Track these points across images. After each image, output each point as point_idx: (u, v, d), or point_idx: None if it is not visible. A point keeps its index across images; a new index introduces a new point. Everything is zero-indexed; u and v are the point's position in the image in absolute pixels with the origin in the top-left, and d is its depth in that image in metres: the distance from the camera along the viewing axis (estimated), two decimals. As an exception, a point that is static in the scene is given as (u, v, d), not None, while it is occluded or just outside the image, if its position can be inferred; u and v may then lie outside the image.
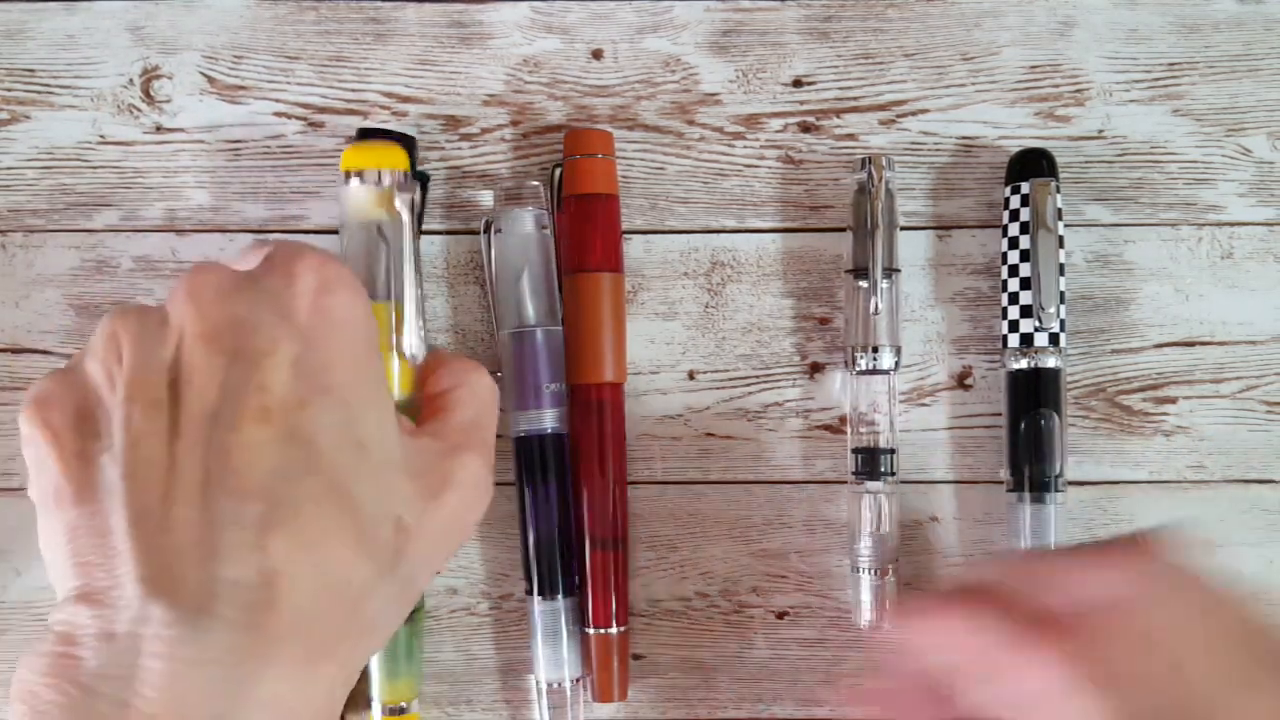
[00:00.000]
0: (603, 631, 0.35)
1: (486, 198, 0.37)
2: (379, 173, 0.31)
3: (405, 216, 0.31)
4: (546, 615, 0.35)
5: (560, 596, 0.35)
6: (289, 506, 0.22)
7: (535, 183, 0.37)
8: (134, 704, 0.20)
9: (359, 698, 0.34)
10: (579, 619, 0.36)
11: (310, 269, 0.24)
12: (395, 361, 0.30)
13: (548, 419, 0.35)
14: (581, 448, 0.36)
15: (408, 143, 0.35)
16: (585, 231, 0.35)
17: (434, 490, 0.25)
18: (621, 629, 0.35)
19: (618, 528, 0.36)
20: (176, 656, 0.20)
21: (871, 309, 0.35)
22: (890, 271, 0.35)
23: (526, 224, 0.36)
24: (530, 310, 0.35)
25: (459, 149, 0.38)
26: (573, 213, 0.36)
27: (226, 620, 0.21)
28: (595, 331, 0.35)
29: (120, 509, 0.21)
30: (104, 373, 0.23)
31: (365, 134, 0.36)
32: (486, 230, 0.36)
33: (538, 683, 0.35)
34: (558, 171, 0.36)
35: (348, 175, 0.31)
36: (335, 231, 0.37)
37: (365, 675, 0.35)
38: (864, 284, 0.35)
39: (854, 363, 0.35)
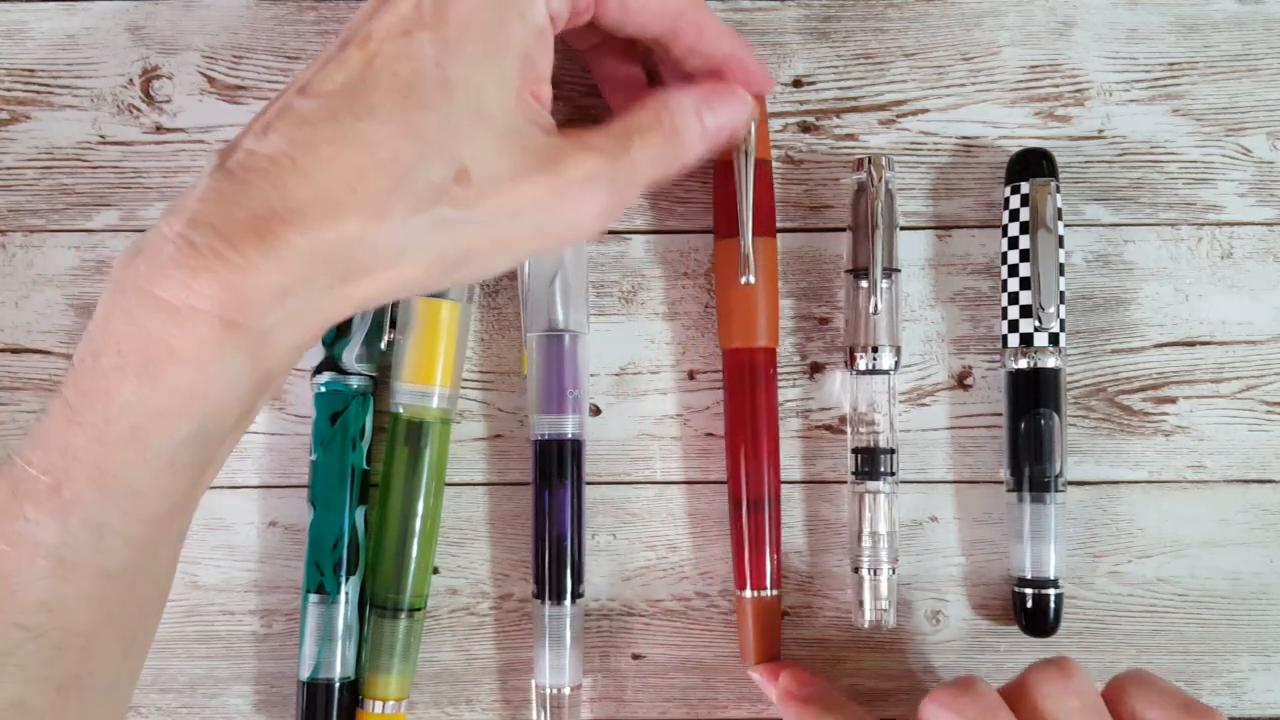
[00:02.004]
0: (757, 595, 0.35)
1: None
2: None
3: None
4: (552, 621, 0.35)
5: (567, 602, 0.35)
6: (341, 109, 0.25)
7: None
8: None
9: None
10: (582, 625, 0.36)
11: None
12: (451, 353, 0.34)
13: (568, 424, 0.35)
14: (733, 412, 0.35)
15: None
16: (735, 196, 0.35)
17: (527, 165, 0.26)
18: (775, 592, 0.35)
19: (770, 489, 0.35)
20: (206, 198, 0.24)
21: (871, 309, 0.35)
22: (890, 271, 0.35)
23: None
24: (560, 314, 0.35)
25: (459, 149, 0.38)
26: (722, 177, 0.35)
27: (237, 179, 0.24)
28: (749, 295, 0.35)
29: None
30: None
31: None
32: None
33: (538, 688, 0.35)
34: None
35: None
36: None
37: (361, 675, 0.35)
38: (864, 284, 0.35)
39: (854, 363, 0.35)
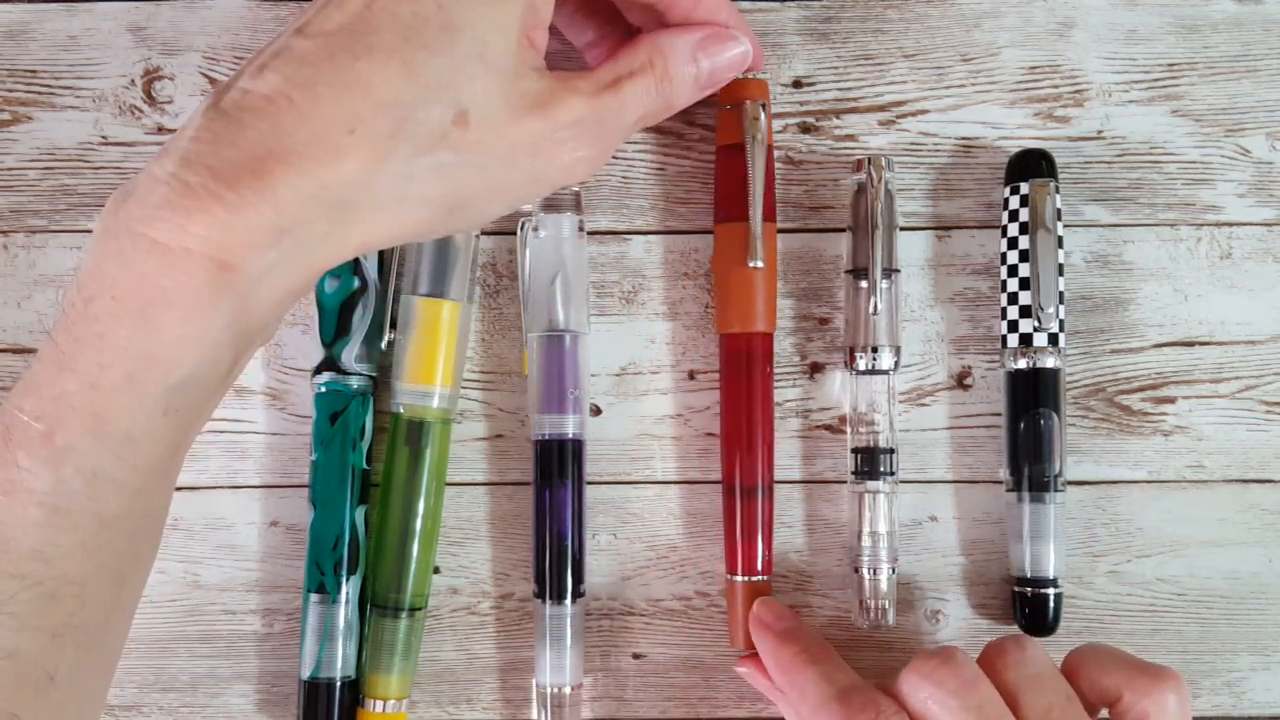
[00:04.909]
0: (747, 580, 0.35)
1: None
2: None
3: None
4: (553, 620, 0.35)
5: (568, 602, 0.35)
6: (340, 49, 0.24)
7: (576, 189, 0.36)
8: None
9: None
10: (584, 624, 0.36)
11: None
12: (452, 353, 0.34)
13: (569, 424, 0.35)
14: (729, 398, 0.36)
15: None
16: (741, 181, 0.35)
17: (522, 109, 0.26)
18: (766, 578, 0.35)
19: (763, 477, 0.35)
20: (199, 138, 0.24)
21: (871, 309, 0.35)
22: (890, 272, 0.35)
23: (564, 228, 0.36)
24: (561, 314, 0.35)
25: (459, 149, 0.38)
26: (726, 162, 0.35)
27: (232, 118, 0.24)
28: (747, 281, 0.35)
29: None
30: None
31: None
32: (523, 230, 0.36)
33: (539, 687, 0.35)
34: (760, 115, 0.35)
35: None
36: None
37: (362, 674, 0.35)
38: (864, 284, 0.35)
39: (854, 363, 0.36)
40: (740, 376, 0.35)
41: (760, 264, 0.34)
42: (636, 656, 0.37)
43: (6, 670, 0.23)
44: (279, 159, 0.24)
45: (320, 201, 0.24)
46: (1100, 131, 0.37)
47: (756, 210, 0.34)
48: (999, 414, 0.37)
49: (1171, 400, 0.37)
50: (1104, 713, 0.30)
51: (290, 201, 0.24)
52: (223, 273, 0.24)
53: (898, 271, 0.36)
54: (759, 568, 0.35)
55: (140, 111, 0.38)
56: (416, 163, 0.25)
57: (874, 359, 0.35)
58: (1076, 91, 0.38)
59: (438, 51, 0.25)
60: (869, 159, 0.35)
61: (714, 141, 0.37)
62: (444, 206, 0.27)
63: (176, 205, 0.23)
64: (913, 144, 0.38)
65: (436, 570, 0.37)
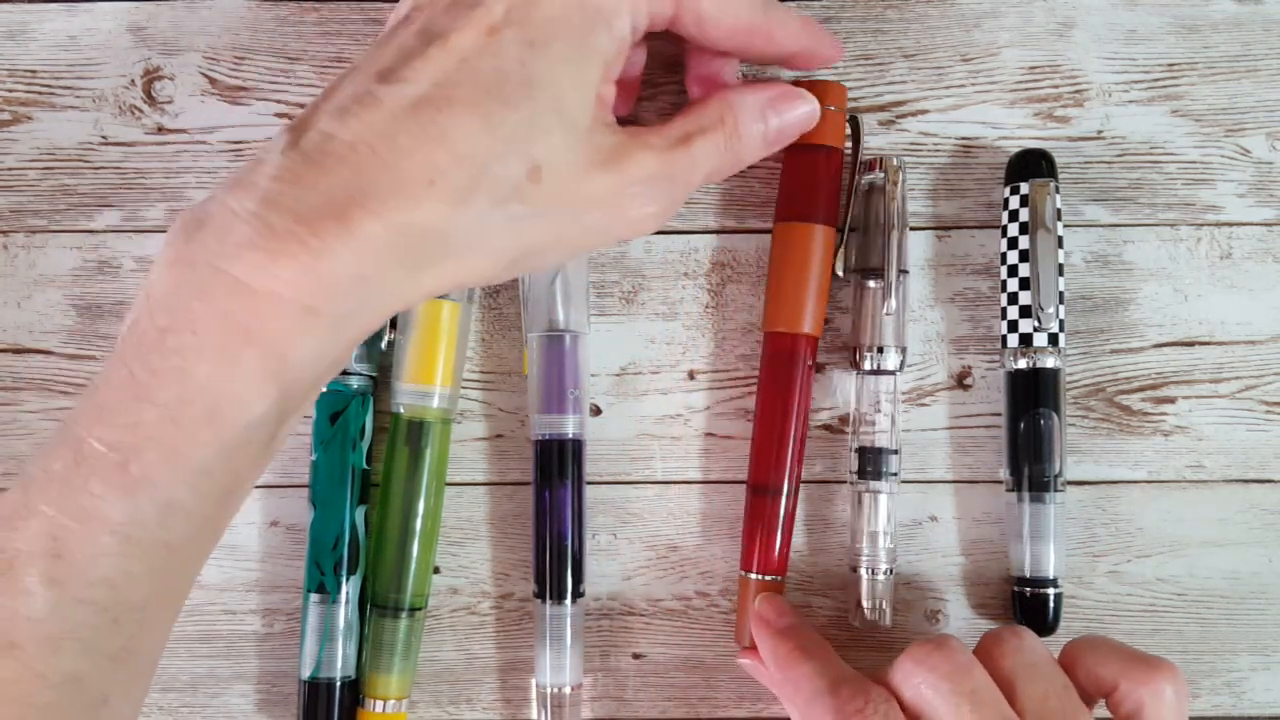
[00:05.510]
0: (762, 578, 0.35)
1: None
2: None
3: None
4: (553, 620, 0.35)
5: (568, 602, 0.35)
6: (423, 101, 0.25)
7: None
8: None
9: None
10: (582, 624, 0.36)
11: None
12: (452, 353, 0.34)
13: (569, 424, 0.35)
14: (765, 395, 0.36)
15: None
16: (807, 182, 0.35)
17: (593, 163, 0.27)
18: (780, 579, 0.35)
19: (787, 478, 0.35)
20: (281, 178, 0.24)
21: (886, 310, 0.35)
22: (901, 272, 0.35)
23: None
24: (561, 314, 0.35)
25: (460, 149, 0.38)
26: (794, 161, 0.36)
27: (314, 161, 0.24)
28: (801, 282, 0.35)
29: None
30: None
31: None
32: None
33: (539, 687, 0.35)
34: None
35: None
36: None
37: (362, 673, 0.35)
38: (871, 284, 0.35)
39: (860, 363, 0.36)
40: (781, 376, 0.35)
41: (842, 274, 0.35)
42: (636, 656, 0.37)
43: (68, 694, 0.23)
44: (360, 206, 0.24)
45: (397, 249, 0.25)
46: (1100, 131, 0.37)
47: (846, 226, 0.35)
48: (999, 414, 0.37)
49: (1171, 400, 0.37)
50: (1101, 703, 0.30)
51: (369, 248, 0.24)
52: (308, 316, 0.24)
53: (906, 272, 0.36)
54: (775, 567, 0.35)
55: (140, 111, 0.38)
56: (490, 214, 0.25)
57: (879, 359, 0.35)
58: (1076, 91, 0.38)
59: (517, 107, 0.25)
60: (880, 159, 0.35)
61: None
62: (510, 257, 0.27)
63: (259, 246, 0.24)
64: (913, 144, 0.38)
65: (436, 570, 0.37)
